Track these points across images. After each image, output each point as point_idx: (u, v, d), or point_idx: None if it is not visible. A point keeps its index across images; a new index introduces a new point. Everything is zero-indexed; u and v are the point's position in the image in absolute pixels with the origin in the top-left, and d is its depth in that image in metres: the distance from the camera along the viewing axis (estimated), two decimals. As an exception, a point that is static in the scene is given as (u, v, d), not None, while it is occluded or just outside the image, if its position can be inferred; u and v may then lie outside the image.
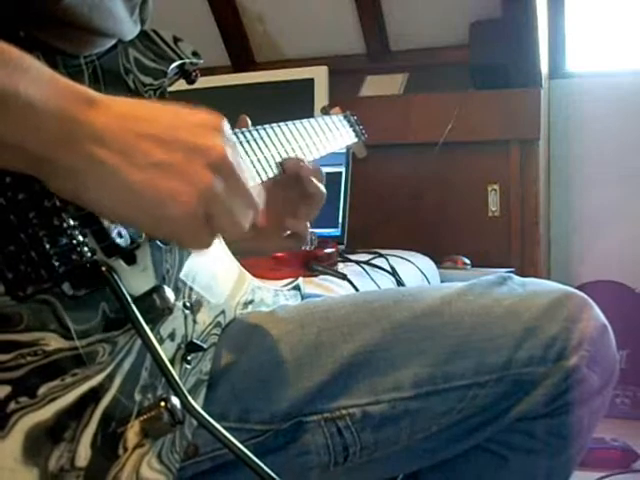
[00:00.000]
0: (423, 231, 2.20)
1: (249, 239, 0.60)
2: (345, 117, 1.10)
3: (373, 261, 1.63)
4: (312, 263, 1.35)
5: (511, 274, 0.77)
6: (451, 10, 2.33)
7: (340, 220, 1.78)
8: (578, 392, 0.69)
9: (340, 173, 1.80)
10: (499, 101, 2.16)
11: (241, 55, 2.65)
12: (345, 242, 1.77)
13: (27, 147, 0.46)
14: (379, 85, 2.41)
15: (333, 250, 1.43)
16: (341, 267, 1.49)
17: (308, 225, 0.84)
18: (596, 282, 2.34)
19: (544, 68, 2.26)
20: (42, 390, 0.48)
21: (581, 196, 2.44)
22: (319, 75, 2.10)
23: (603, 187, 2.39)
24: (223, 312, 0.69)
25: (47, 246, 0.49)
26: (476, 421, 0.70)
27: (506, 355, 0.69)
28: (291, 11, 2.50)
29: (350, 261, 1.60)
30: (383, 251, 1.73)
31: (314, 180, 0.82)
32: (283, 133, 0.85)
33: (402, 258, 1.76)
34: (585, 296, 0.74)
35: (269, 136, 0.81)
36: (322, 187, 0.83)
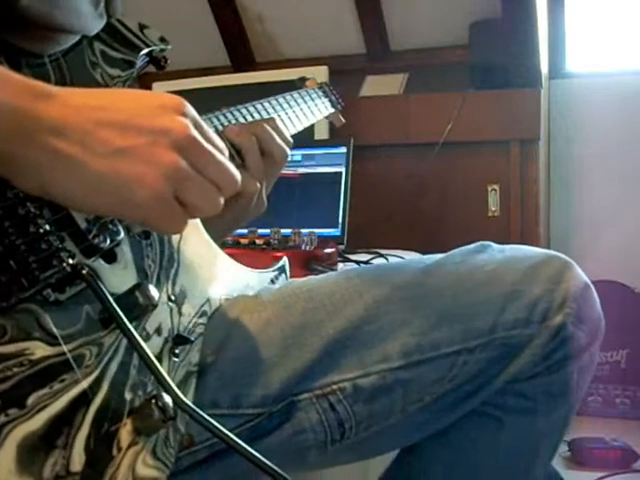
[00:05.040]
0: (423, 231, 2.19)
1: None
2: (320, 88, 1.08)
3: (373, 261, 1.63)
4: (312, 263, 1.35)
5: (490, 242, 0.77)
6: (451, 10, 2.33)
7: (340, 220, 1.78)
8: (566, 350, 0.70)
9: (340, 173, 1.80)
10: (499, 101, 2.16)
11: (241, 55, 2.65)
12: (345, 242, 1.77)
13: None
14: (379, 85, 2.41)
15: (333, 250, 1.43)
16: (341, 267, 1.49)
17: (258, 185, 0.76)
18: (596, 282, 2.33)
19: (544, 68, 2.26)
20: (31, 400, 0.47)
21: (581, 196, 2.43)
22: (319, 75, 2.09)
23: (603, 187, 2.39)
24: (208, 300, 0.69)
25: (25, 254, 0.49)
26: (468, 389, 0.70)
27: (491, 320, 0.69)
28: (291, 11, 2.49)
29: (350, 261, 1.60)
30: (383, 251, 1.73)
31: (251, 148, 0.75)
32: (258, 111, 0.83)
33: (402, 258, 1.76)
34: (566, 258, 0.74)
35: (244, 116, 0.79)
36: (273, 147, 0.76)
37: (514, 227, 2.16)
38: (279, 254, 1.35)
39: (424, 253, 1.90)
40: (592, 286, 0.74)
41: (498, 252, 0.75)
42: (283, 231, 1.41)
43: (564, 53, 2.47)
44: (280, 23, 2.56)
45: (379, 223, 2.19)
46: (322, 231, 1.74)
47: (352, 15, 2.45)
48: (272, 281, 0.81)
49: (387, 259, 1.66)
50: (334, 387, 0.68)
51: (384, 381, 0.68)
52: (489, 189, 2.18)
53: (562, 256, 0.75)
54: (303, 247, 1.38)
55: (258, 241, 1.40)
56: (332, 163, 1.80)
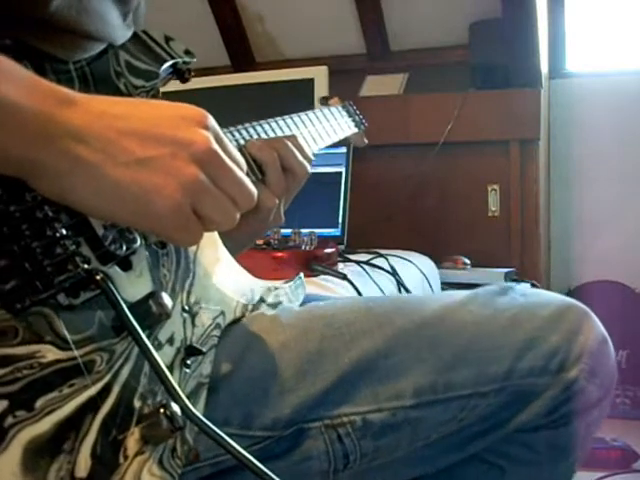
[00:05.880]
0: (423, 231, 2.20)
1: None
2: (344, 107, 1.08)
3: (373, 261, 1.63)
4: (312, 263, 1.35)
5: (512, 284, 0.77)
6: (451, 10, 2.33)
7: (340, 220, 1.78)
8: (576, 404, 0.70)
9: (340, 173, 1.80)
10: (499, 101, 2.16)
11: (241, 55, 2.65)
12: (345, 242, 1.77)
13: (8, 147, 0.45)
14: (379, 85, 2.41)
15: (333, 250, 1.43)
16: (341, 267, 1.49)
17: (276, 201, 0.75)
18: (596, 282, 2.34)
19: (544, 68, 2.26)
20: (39, 403, 0.47)
21: (581, 196, 2.44)
22: (319, 75, 2.10)
23: (603, 187, 2.40)
24: (222, 313, 0.69)
25: (41, 257, 0.48)
26: (476, 430, 0.70)
27: (507, 365, 0.69)
28: (291, 11, 2.50)
29: (350, 261, 1.60)
30: (383, 251, 1.73)
31: (273, 165, 0.74)
32: (280, 128, 0.83)
33: (402, 258, 1.76)
34: (585, 307, 0.74)
35: (266, 132, 0.79)
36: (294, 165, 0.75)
37: (514, 227, 2.16)
38: (279, 254, 1.35)
39: (424, 253, 1.92)
40: (609, 339, 0.74)
41: (520, 296, 0.75)
42: (283, 231, 1.41)
43: (564, 53, 2.47)
44: (280, 23, 2.56)
45: (379, 223, 2.19)
46: (322, 231, 1.74)
47: (352, 15, 2.45)
48: (287, 295, 0.81)
49: (387, 259, 1.66)
50: (344, 419, 0.67)
51: (394, 418, 0.67)
52: (489, 189, 2.18)
53: (580, 305, 0.74)
54: (303, 247, 1.38)
55: (258, 241, 1.40)
56: (332, 163, 1.80)
